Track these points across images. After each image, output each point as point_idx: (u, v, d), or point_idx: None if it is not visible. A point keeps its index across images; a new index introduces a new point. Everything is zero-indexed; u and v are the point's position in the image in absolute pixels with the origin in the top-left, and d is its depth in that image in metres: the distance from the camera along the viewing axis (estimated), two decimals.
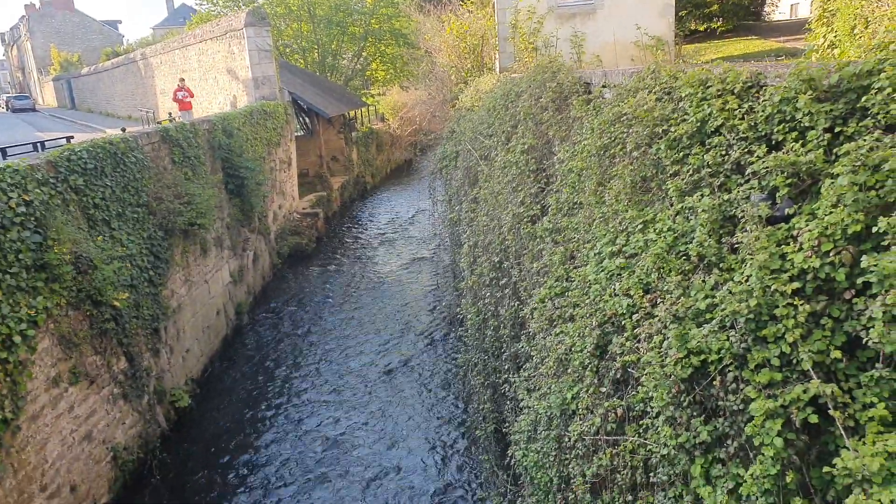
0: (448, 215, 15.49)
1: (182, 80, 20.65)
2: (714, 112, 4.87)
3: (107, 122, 32.56)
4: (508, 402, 8.71)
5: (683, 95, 5.30)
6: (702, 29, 22.33)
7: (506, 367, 9.09)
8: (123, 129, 14.25)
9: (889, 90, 3.61)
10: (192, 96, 20.19)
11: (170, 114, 20.77)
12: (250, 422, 12.63)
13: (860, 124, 3.82)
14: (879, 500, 3.20)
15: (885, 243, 3.44)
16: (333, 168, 30.82)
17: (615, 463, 5.00)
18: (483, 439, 9.81)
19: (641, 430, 4.77)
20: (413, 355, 14.82)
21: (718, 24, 21.46)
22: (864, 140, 3.68)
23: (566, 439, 5.76)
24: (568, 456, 5.73)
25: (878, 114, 3.71)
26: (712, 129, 4.91)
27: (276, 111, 22.01)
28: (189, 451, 11.73)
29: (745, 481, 3.81)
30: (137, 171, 11.95)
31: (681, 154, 5.15)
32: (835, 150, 3.93)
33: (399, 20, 38.21)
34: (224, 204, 16.59)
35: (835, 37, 10.04)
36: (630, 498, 4.97)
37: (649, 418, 4.60)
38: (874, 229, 3.47)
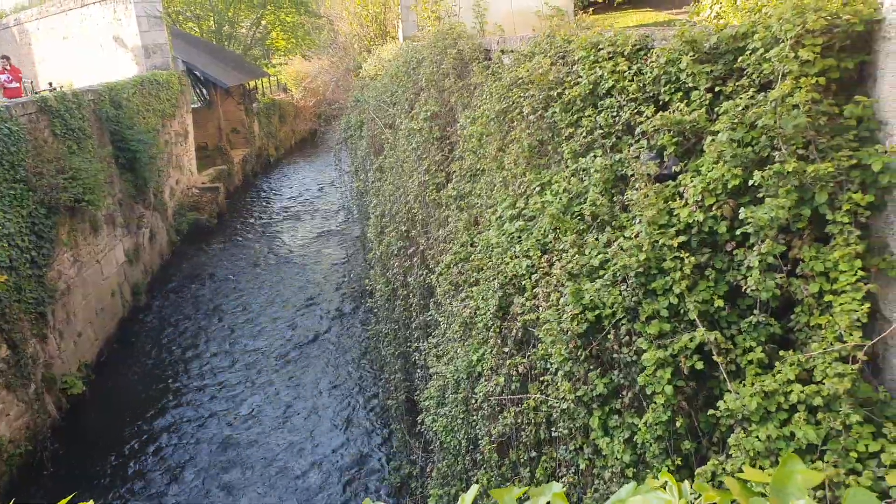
0: (354, 185, 15.21)
1: (6, 58, 15.61)
2: (605, 74, 4.96)
3: None
4: (419, 371, 8.74)
5: (577, 59, 5.37)
6: (600, 1, 22.86)
7: (416, 335, 9.09)
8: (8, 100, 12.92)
9: (762, 51, 3.78)
10: (19, 81, 15.49)
11: (50, 83, 18.75)
12: (150, 406, 12.01)
13: (737, 84, 4.00)
14: (758, 437, 3.43)
15: (760, 195, 3.64)
16: (234, 141, 29.42)
17: (519, 421, 5.11)
18: (395, 409, 9.83)
19: (543, 387, 4.89)
20: (322, 330, 14.56)
21: None
22: (741, 99, 3.85)
23: (473, 401, 5.83)
24: (475, 417, 5.81)
25: (752, 73, 3.89)
26: (604, 91, 5.01)
27: (170, 81, 20.65)
28: (84, 439, 11.04)
29: (640, 429, 3.98)
30: (12, 144, 10.91)
31: (575, 117, 5.23)
32: (716, 109, 4.09)
33: None
34: (115, 179, 15.46)
35: (720, 8, 10.54)
36: (534, 454, 5.10)
37: (550, 375, 4.71)
38: (750, 182, 3.66)
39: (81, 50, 25.03)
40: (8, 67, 15.19)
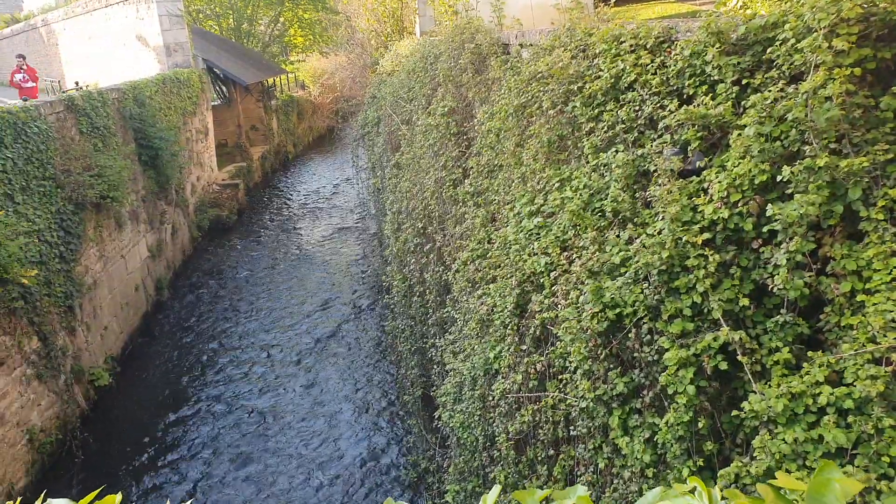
0: (371, 182, 15.20)
1: (22, 57, 15.45)
2: (627, 68, 4.85)
3: (7, 94, 29.89)
4: (435, 367, 8.70)
5: (598, 52, 5.27)
6: None
7: (432, 331, 9.05)
8: (25, 99, 13.08)
9: (793, 41, 3.66)
10: (35, 80, 15.41)
11: (76, 83, 18.93)
12: (174, 398, 12.15)
13: (766, 76, 3.88)
14: (784, 439, 3.32)
15: (789, 191, 3.52)
16: (253, 138, 29.60)
17: (537, 419, 5.03)
18: (411, 404, 9.80)
19: (562, 386, 4.81)
20: (340, 325, 14.58)
21: None
22: (770, 91, 3.73)
23: (490, 398, 5.77)
24: (492, 414, 5.75)
25: (782, 65, 3.76)
26: (626, 85, 4.90)
27: (191, 79, 20.84)
28: (111, 429, 11.24)
29: (661, 429, 3.89)
30: (41, 143, 11.13)
31: (596, 111, 5.13)
32: (742, 103, 3.98)
33: None
34: (138, 176, 15.65)
35: None
36: (552, 452, 5.03)
37: (568, 373, 4.63)
38: (779, 178, 3.54)
39: (106, 49, 25.37)
40: (24, 67, 15.14)
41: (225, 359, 13.53)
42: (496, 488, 1.15)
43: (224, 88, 29.46)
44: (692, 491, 1.07)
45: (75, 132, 12.59)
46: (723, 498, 1.08)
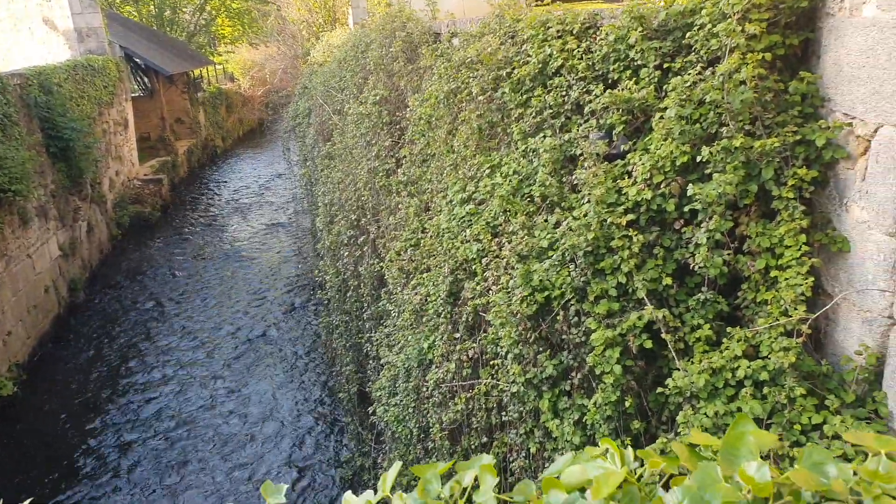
0: (302, 174, 14.86)
1: None
2: (554, 53, 4.88)
3: None
4: (371, 362, 8.57)
5: (526, 38, 5.28)
6: None
7: (367, 326, 8.91)
8: None
9: (709, 26, 3.75)
10: None
11: None
12: (90, 406, 11.47)
13: (686, 60, 3.96)
14: (705, 413, 3.41)
15: (708, 171, 3.61)
16: (178, 131, 28.43)
17: (471, 407, 5.01)
18: (347, 401, 9.63)
19: (494, 372, 4.80)
20: (273, 324, 14.20)
21: None
22: (689, 75, 3.82)
23: (424, 389, 5.71)
24: (426, 405, 5.69)
25: (700, 49, 3.85)
26: (553, 71, 4.93)
27: (107, 67, 19.76)
28: (14, 443, 10.45)
29: (589, 410, 3.93)
30: None
31: (524, 97, 5.14)
32: (664, 87, 4.05)
33: None
34: (47, 169, 14.67)
35: None
36: (486, 440, 5.02)
37: (500, 359, 4.62)
38: (698, 159, 3.63)
39: (9, 34, 23.67)
40: None
41: (145, 363, 12.89)
42: (396, 465, 1.08)
43: (146, 79, 28.13)
44: (604, 454, 1.03)
45: None
46: (636, 458, 1.04)
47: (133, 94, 25.24)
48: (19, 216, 12.86)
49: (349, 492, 1.07)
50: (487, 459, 1.01)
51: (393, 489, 1.09)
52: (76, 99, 16.68)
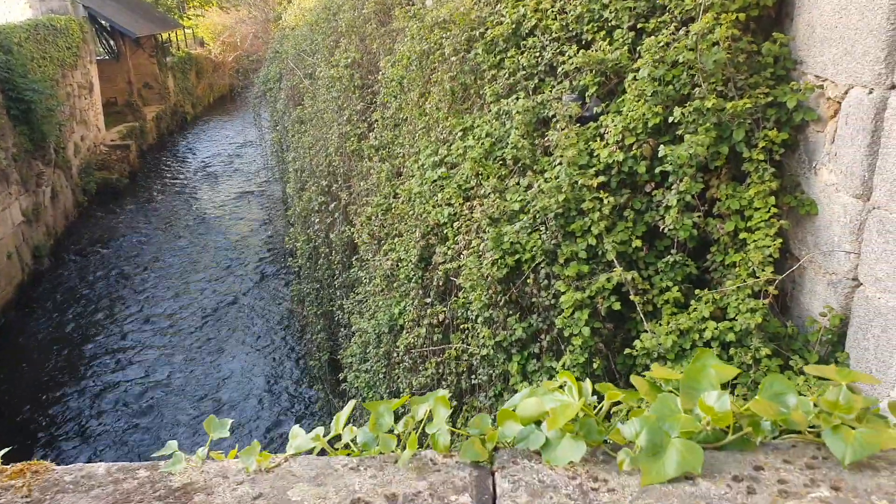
0: (272, 138, 14.58)
1: None
2: (528, 13, 4.78)
3: None
4: (343, 330, 8.52)
5: None
6: None
7: (339, 294, 8.83)
8: None
9: None
10: None
11: None
12: (56, 375, 11.26)
13: (659, 20, 3.91)
14: None
15: (680, 133, 3.58)
16: (147, 97, 27.59)
17: (441, 371, 5.00)
18: (317, 369, 9.59)
19: (464, 336, 4.78)
20: (242, 292, 14.03)
21: None
22: (663, 35, 3.77)
23: (395, 355, 5.69)
24: (397, 371, 5.67)
25: (674, 10, 3.80)
26: (527, 31, 4.84)
27: (70, 27, 19.01)
28: None
29: (558, 372, 3.93)
30: None
31: (497, 58, 5.04)
32: (638, 48, 4.00)
33: None
34: (7, 132, 14.14)
35: None
36: (456, 404, 5.02)
37: (470, 323, 4.61)
38: (670, 120, 3.60)
39: None
40: None
41: (114, 331, 12.67)
42: (350, 403, 1.04)
43: (111, 42, 27.14)
44: (561, 387, 0.99)
45: None
46: (594, 392, 1.01)
47: (98, 58, 24.37)
48: None
49: (296, 426, 1.02)
50: (441, 392, 0.97)
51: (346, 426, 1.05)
52: (37, 60, 16.06)
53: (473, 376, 4.69)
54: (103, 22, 23.80)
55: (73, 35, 19.19)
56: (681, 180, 3.54)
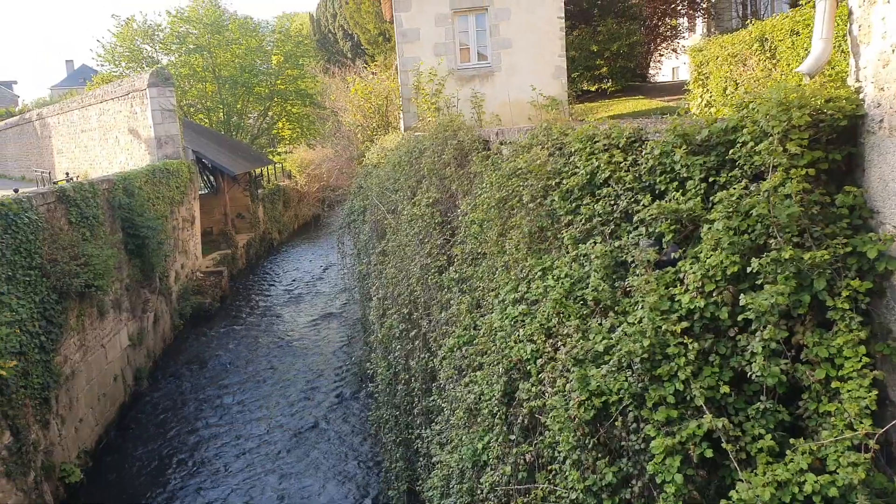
0: (357, 268, 15.35)
1: None
2: (602, 165, 5.15)
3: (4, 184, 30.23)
4: (422, 459, 8.51)
5: (573, 150, 5.59)
6: (593, 89, 23.88)
7: (418, 422, 8.91)
8: (16, 190, 13.32)
9: (751, 144, 3.95)
10: None
11: (67, 174, 19.32)
12: (148, 496, 11.61)
13: (730, 174, 4.15)
14: None
15: (759, 282, 3.70)
16: (239, 225, 29.94)
17: None
18: (396, 499, 9.48)
19: (551, 477, 4.77)
20: (323, 415, 14.27)
21: (609, 85, 23.05)
22: (735, 189, 3.99)
23: (479, 492, 5.66)
24: None
25: (744, 165, 4.04)
26: (601, 181, 5.18)
27: (180, 169, 21.35)
28: None
29: None
30: (31, 233, 11.15)
31: (573, 205, 5.38)
32: (711, 198, 4.23)
33: (304, 80, 38.48)
34: (123, 265, 15.67)
35: (710, 97, 11.05)
36: None
37: (557, 463, 4.61)
38: (749, 270, 3.73)
39: (98, 141, 26.11)
40: None
41: (202, 452, 13.08)
42: None
43: (212, 178, 30.08)
44: None
45: (64, 222, 12.72)
46: None
47: (200, 192, 26.95)
48: (98, 308, 13.66)
49: None
50: None
51: None
52: (153, 199, 17.96)
53: None
54: (206, 162, 26.52)
55: (183, 176, 21.44)
56: (764, 328, 3.60)
